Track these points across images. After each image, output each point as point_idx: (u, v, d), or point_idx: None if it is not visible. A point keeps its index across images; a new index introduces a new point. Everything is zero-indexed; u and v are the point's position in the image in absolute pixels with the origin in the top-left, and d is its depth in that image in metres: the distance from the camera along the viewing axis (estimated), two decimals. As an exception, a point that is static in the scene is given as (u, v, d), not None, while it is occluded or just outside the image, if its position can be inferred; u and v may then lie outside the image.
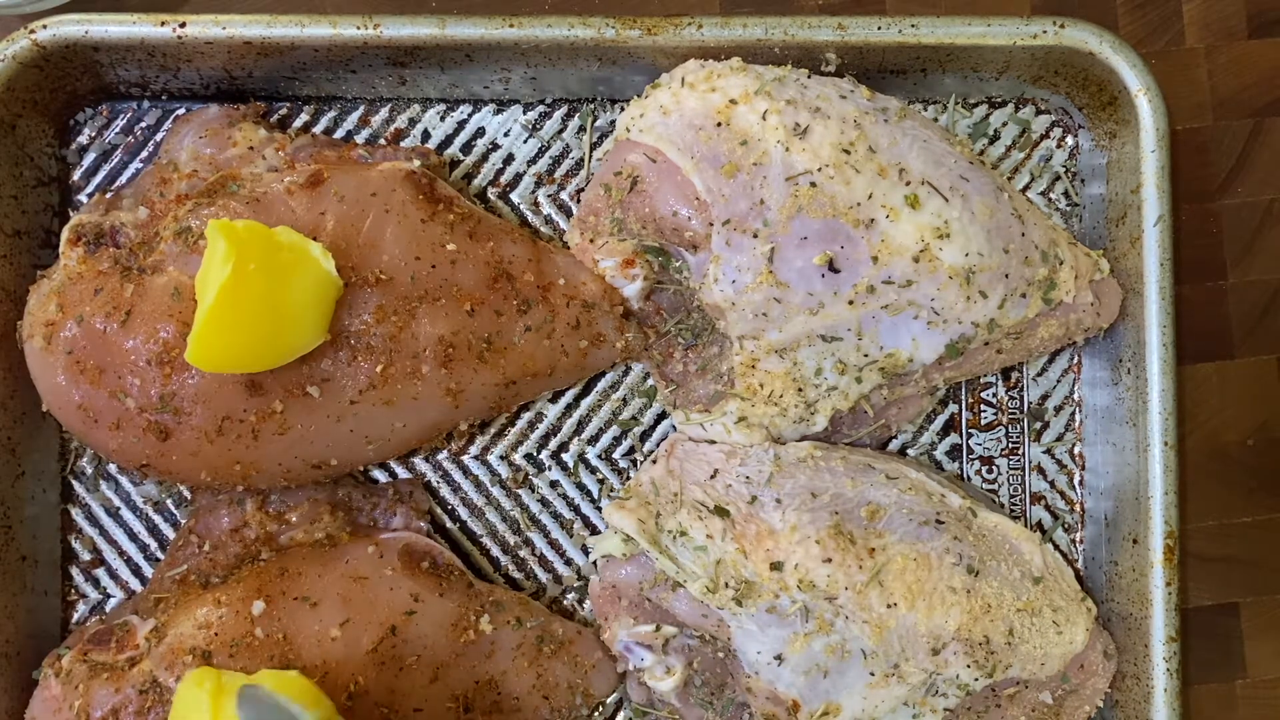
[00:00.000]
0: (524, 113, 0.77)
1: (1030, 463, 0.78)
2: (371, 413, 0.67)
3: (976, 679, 0.70)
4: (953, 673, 0.70)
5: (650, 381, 0.77)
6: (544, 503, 0.76)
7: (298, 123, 0.76)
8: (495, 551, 0.76)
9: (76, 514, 0.75)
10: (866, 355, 0.71)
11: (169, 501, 0.75)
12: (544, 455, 0.77)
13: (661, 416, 0.77)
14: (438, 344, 0.68)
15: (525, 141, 0.77)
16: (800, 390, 0.71)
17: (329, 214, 0.67)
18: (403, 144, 0.76)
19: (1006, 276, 0.70)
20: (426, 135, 0.77)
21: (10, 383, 0.71)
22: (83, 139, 0.75)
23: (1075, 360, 0.79)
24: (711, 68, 0.71)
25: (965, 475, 0.78)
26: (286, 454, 0.67)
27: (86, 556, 0.75)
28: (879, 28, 0.72)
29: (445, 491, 0.76)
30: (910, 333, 0.70)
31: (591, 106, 0.77)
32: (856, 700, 0.69)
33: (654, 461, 0.74)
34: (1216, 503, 0.78)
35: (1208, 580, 0.78)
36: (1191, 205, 0.78)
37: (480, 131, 0.77)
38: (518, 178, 0.77)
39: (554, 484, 0.77)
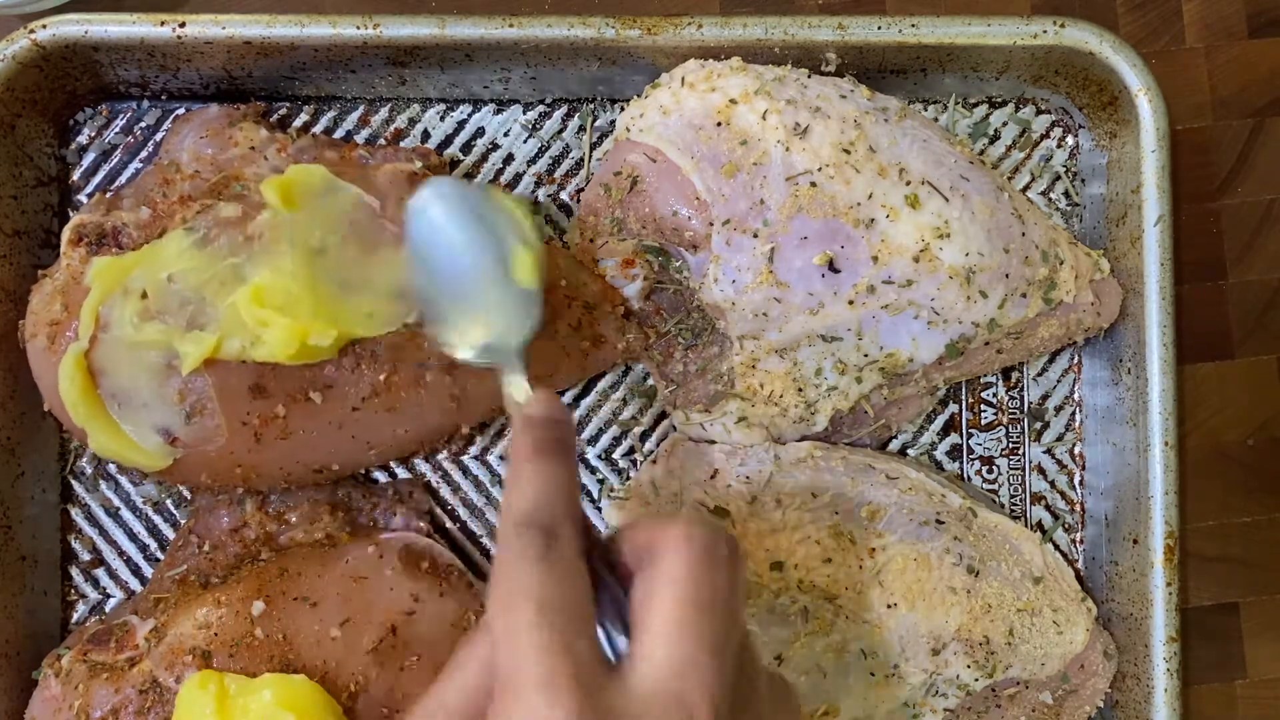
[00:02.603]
0: (524, 113, 0.77)
1: (1030, 463, 0.78)
2: (374, 419, 0.67)
3: (977, 679, 0.70)
4: (953, 673, 0.70)
5: (650, 381, 0.77)
6: (544, 503, 0.76)
7: (298, 123, 0.76)
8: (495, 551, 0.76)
9: (76, 514, 0.75)
10: (866, 355, 0.71)
11: (169, 501, 0.75)
12: (544, 455, 0.77)
13: (661, 416, 0.77)
14: (441, 350, 0.68)
15: (525, 141, 0.77)
16: (800, 390, 0.71)
17: (329, 214, 0.67)
18: (403, 144, 0.76)
19: (1007, 276, 0.70)
20: (426, 135, 0.77)
21: (10, 383, 0.71)
22: (83, 139, 0.75)
23: (1075, 360, 0.79)
24: (711, 68, 0.71)
25: (965, 475, 0.78)
26: (288, 458, 0.67)
27: (86, 556, 0.75)
28: (879, 28, 0.72)
29: (445, 491, 0.76)
30: (910, 333, 0.70)
31: (591, 106, 0.77)
32: (856, 700, 0.69)
33: (654, 461, 0.74)
34: (1216, 503, 0.78)
35: (1208, 580, 0.78)
36: (1191, 205, 0.79)
37: (480, 131, 0.77)
38: (518, 178, 0.77)
39: (554, 484, 0.76)
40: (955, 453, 0.78)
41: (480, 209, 0.62)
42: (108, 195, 0.71)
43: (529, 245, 0.61)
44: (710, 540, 0.46)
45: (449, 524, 0.76)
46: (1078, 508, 0.78)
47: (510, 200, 0.63)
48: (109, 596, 0.75)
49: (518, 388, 0.58)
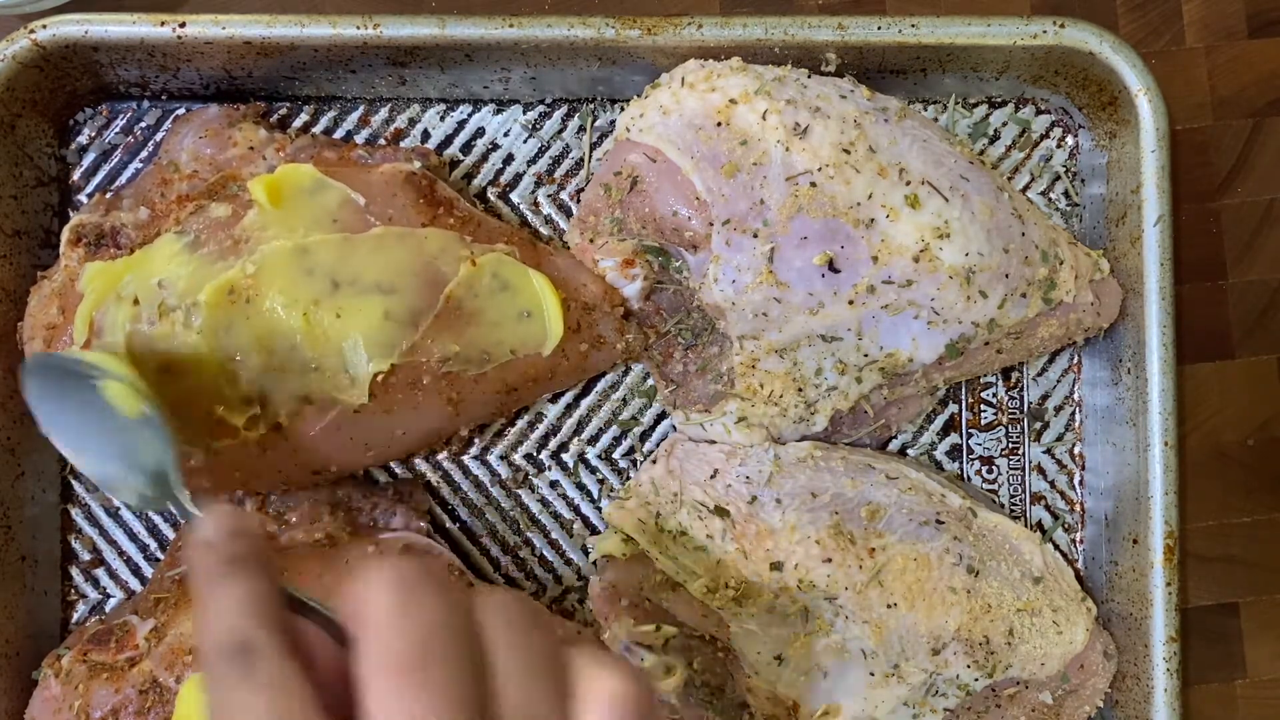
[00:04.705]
0: (524, 113, 0.77)
1: (1030, 463, 0.78)
2: (371, 421, 0.67)
3: (976, 679, 0.70)
4: (953, 673, 0.70)
5: (650, 381, 0.77)
6: (544, 503, 0.76)
7: (298, 123, 0.76)
8: (495, 551, 0.76)
9: (76, 514, 0.75)
10: (866, 355, 0.71)
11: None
12: (544, 455, 0.77)
13: (661, 416, 0.77)
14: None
15: (525, 141, 0.77)
16: (800, 390, 0.71)
17: (328, 215, 0.67)
18: (403, 144, 0.76)
19: (1006, 276, 0.70)
20: (426, 135, 0.77)
21: (10, 383, 0.71)
22: (83, 139, 0.75)
23: (1075, 360, 0.79)
24: (711, 68, 0.71)
25: (965, 475, 0.78)
26: (286, 462, 0.67)
27: (86, 556, 0.75)
28: (879, 28, 0.72)
29: (445, 491, 0.76)
30: (910, 333, 0.70)
31: (591, 106, 0.77)
32: (857, 701, 0.69)
33: (654, 461, 0.74)
34: (1216, 503, 0.78)
35: (1208, 580, 0.78)
36: (1191, 205, 0.78)
37: (480, 131, 0.77)
38: (518, 178, 0.77)
39: (554, 484, 0.77)
40: (955, 453, 0.78)
41: (65, 369, 0.61)
42: (107, 196, 0.71)
43: (115, 378, 0.60)
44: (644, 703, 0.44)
45: (449, 524, 0.76)
46: (1078, 508, 0.78)
47: (91, 354, 0.62)
48: (109, 596, 0.75)
49: (183, 512, 0.57)
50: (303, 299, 0.64)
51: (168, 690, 0.63)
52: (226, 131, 0.71)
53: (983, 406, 0.78)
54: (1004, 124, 0.78)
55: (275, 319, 0.64)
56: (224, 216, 0.66)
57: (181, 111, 0.75)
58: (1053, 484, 0.78)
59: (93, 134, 0.76)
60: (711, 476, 0.72)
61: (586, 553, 0.76)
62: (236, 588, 0.44)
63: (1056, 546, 0.77)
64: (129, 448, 0.59)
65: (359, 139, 0.76)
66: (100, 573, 0.75)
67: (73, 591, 0.74)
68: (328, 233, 0.65)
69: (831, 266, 0.68)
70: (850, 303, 0.69)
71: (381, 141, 0.76)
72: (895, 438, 0.78)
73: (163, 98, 0.76)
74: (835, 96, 0.70)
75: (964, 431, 0.78)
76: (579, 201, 0.76)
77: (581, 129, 0.77)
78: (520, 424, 0.77)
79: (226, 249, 0.65)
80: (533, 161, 0.77)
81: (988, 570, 0.71)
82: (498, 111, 0.77)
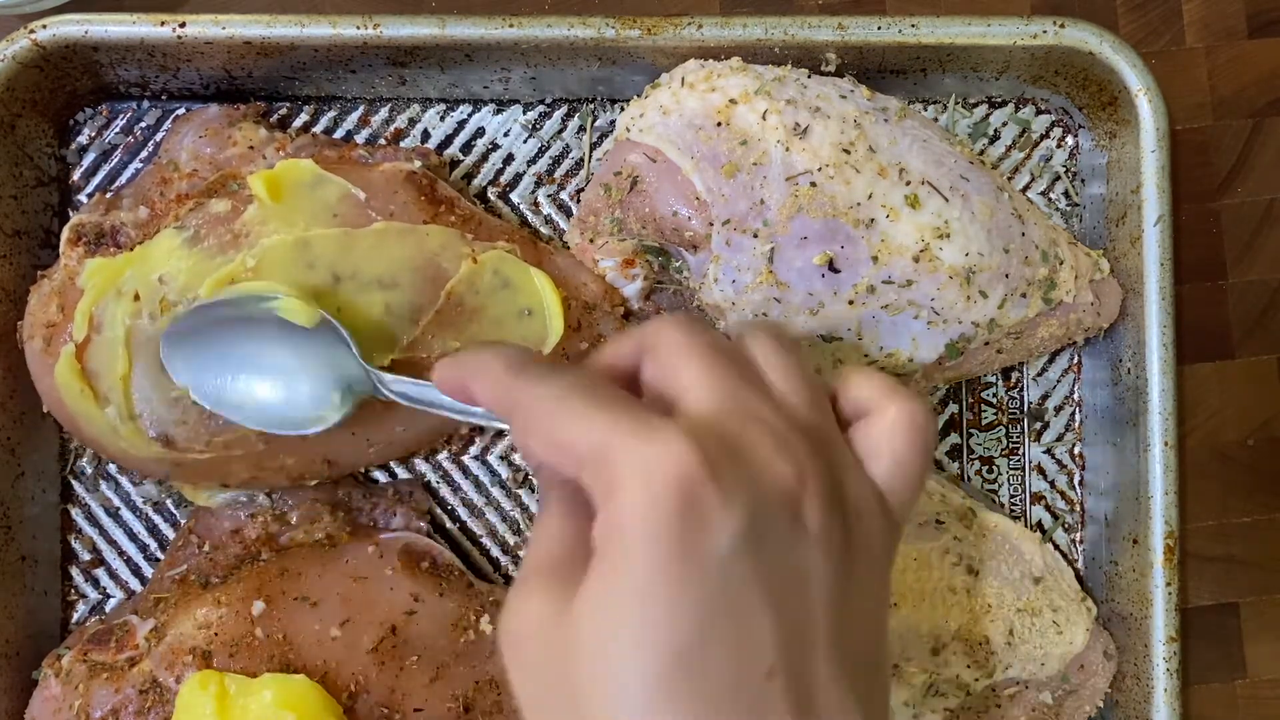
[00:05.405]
0: (524, 113, 0.77)
1: (1030, 463, 0.78)
2: (373, 414, 0.67)
3: (976, 679, 0.70)
4: (953, 672, 0.70)
5: (650, 381, 0.77)
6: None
7: (298, 123, 0.76)
8: (495, 551, 0.76)
9: (76, 514, 0.75)
10: (866, 355, 0.71)
11: (169, 501, 0.75)
12: (544, 455, 0.76)
13: (661, 416, 0.77)
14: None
15: (525, 141, 0.77)
16: (800, 390, 0.71)
17: (329, 214, 0.67)
18: (403, 144, 0.76)
19: (1007, 276, 0.70)
20: (426, 135, 0.77)
21: (10, 383, 0.71)
22: (83, 139, 0.75)
23: (1075, 360, 0.79)
24: (711, 68, 0.71)
25: (965, 475, 0.78)
26: (288, 455, 0.67)
27: (86, 556, 0.75)
28: (879, 28, 0.72)
29: (445, 491, 0.76)
30: (910, 333, 0.70)
31: (591, 106, 0.77)
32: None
33: (654, 461, 0.74)
34: (1216, 503, 0.78)
35: (1208, 580, 0.78)
36: (1191, 205, 0.79)
37: (480, 131, 0.77)
38: (518, 178, 0.77)
39: (554, 484, 0.76)
40: (955, 453, 0.78)
41: (223, 313, 0.63)
42: (107, 195, 0.71)
43: (284, 294, 0.62)
44: (929, 424, 0.50)
45: (449, 524, 0.76)
46: (1078, 508, 0.78)
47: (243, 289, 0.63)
48: (109, 596, 0.75)
49: (399, 384, 0.60)
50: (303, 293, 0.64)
51: (168, 690, 0.63)
52: (226, 131, 0.71)
53: (983, 406, 0.78)
54: (1004, 124, 0.78)
55: None
56: (224, 211, 0.66)
57: (181, 111, 0.75)
58: (1053, 484, 0.78)
59: (93, 134, 0.76)
60: (711, 476, 0.72)
61: (586, 553, 0.76)
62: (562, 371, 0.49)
63: (1056, 546, 0.77)
64: (309, 361, 0.62)
65: (359, 139, 0.76)
66: (100, 573, 0.75)
67: (73, 591, 0.74)
68: (328, 227, 0.65)
69: (831, 266, 0.68)
70: (850, 303, 0.69)
71: (381, 141, 0.76)
72: (895, 438, 0.78)
73: (163, 98, 0.76)
74: (835, 96, 0.70)
75: (964, 431, 0.78)
76: (579, 201, 0.76)
77: (581, 129, 0.77)
78: (520, 424, 0.76)
79: (226, 243, 0.65)
80: (533, 161, 0.77)
81: (988, 570, 0.71)
82: (498, 111, 0.77)
